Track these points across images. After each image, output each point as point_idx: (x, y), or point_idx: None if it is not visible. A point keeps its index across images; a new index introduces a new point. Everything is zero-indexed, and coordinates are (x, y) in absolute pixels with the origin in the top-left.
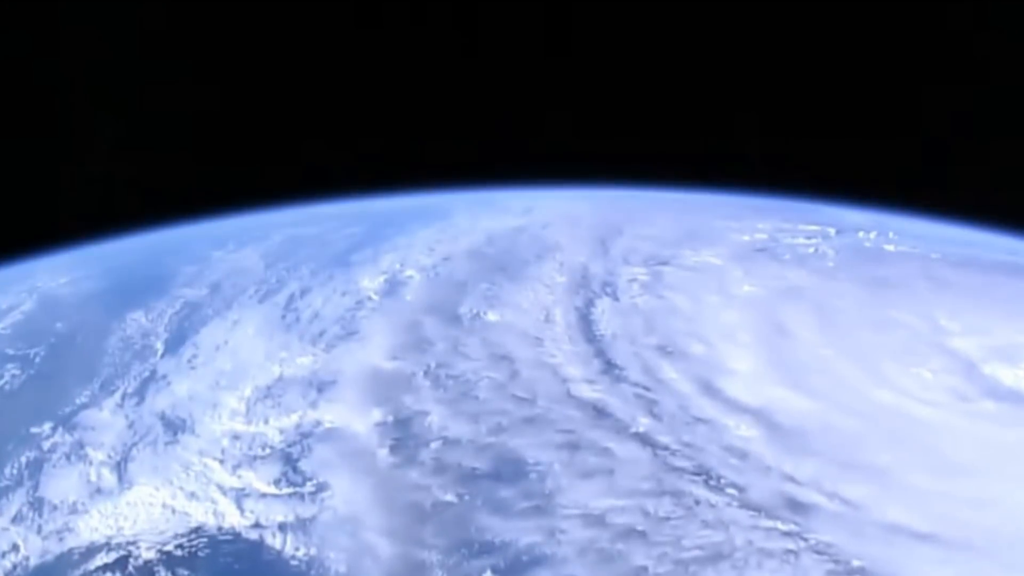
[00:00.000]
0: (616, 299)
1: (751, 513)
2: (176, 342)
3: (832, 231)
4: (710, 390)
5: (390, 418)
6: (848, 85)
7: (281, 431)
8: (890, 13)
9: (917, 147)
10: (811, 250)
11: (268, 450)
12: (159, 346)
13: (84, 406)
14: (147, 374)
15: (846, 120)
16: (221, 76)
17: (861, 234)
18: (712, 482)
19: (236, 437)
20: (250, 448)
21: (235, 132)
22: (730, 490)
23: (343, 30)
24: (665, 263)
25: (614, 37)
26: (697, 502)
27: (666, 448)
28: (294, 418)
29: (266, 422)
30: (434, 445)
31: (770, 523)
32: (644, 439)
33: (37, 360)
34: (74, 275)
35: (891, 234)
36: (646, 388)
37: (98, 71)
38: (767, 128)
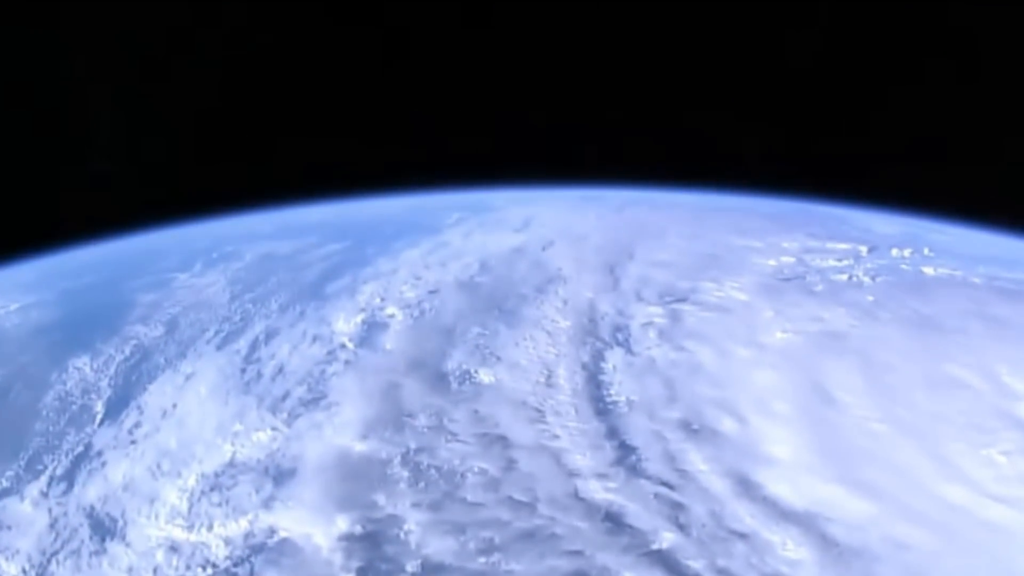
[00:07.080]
0: (630, 351)
1: None
2: (119, 403)
3: (864, 250)
4: (747, 487)
5: (358, 528)
6: (854, 83)
7: (227, 542)
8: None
9: (926, 147)
10: (845, 276)
11: (209, 571)
12: (99, 408)
13: (5, 492)
14: (81, 449)
15: (851, 119)
16: (219, 75)
17: (895, 252)
18: None
19: (173, 549)
20: (188, 568)
21: (232, 132)
22: None
23: (341, 29)
24: (683, 299)
25: (612, 37)
26: None
27: None
28: (243, 523)
29: (210, 528)
30: (410, 567)
31: None
32: (669, 564)
33: None
34: (27, 299)
35: (926, 250)
36: (669, 486)
37: (99, 71)
38: (772, 126)
